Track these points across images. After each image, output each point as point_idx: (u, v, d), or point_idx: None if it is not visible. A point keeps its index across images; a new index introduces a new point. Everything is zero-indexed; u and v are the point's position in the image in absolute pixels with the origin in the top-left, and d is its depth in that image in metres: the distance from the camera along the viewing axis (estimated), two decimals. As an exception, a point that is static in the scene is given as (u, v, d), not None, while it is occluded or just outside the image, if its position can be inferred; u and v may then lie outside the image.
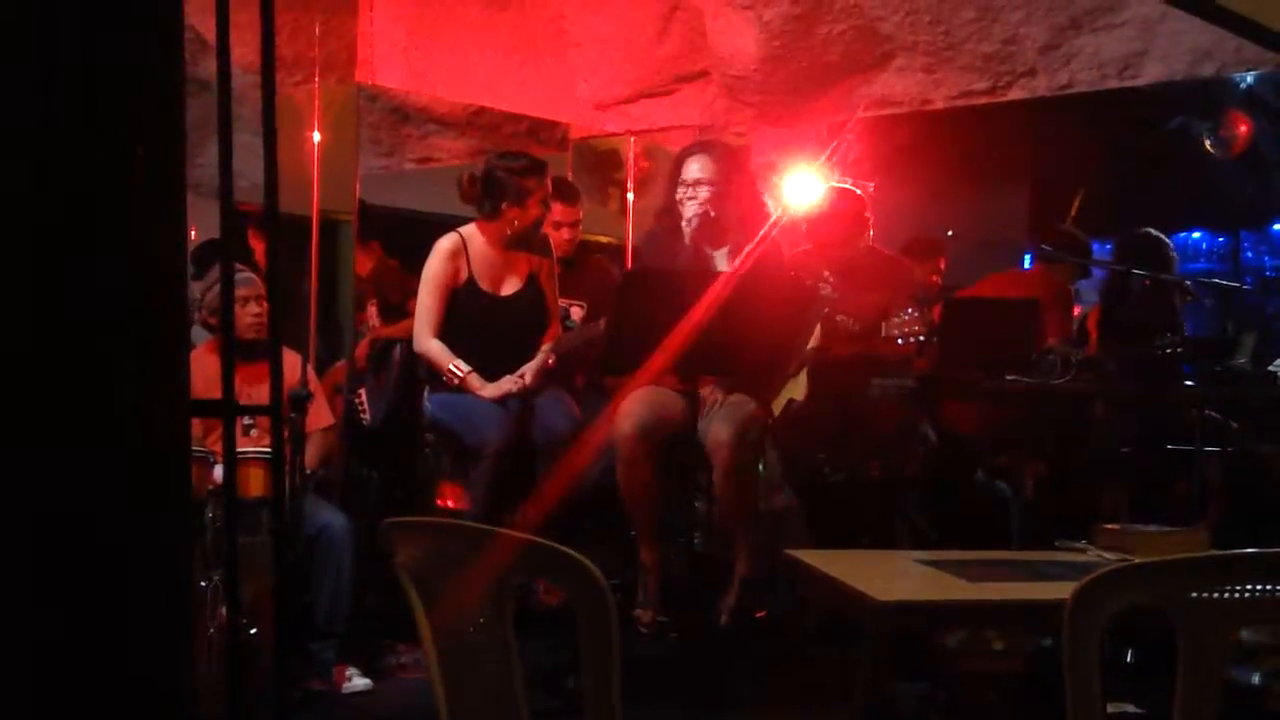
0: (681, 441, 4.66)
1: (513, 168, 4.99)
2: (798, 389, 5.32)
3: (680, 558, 4.84)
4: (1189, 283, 6.39)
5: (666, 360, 3.71)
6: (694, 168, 4.84)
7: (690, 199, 4.79)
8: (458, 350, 4.94)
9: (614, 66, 7.35)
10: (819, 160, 6.40)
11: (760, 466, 4.91)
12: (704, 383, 4.65)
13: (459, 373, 4.90)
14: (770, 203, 5.16)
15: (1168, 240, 6.41)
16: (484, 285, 5.00)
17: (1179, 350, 5.21)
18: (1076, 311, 6.64)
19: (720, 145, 5.23)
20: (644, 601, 4.69)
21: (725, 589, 4.75)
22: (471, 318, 4.99)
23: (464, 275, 4.98)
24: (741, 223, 4.84)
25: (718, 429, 4.53)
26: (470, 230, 5.05)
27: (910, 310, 5.07)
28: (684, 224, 4.81)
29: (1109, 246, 7.54)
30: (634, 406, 4.56)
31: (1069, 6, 6.08)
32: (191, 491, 4.14)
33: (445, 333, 4.97)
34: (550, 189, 5.09)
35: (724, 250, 4.78)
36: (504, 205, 4.97)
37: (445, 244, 5.03)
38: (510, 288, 5.06)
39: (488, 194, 5.01)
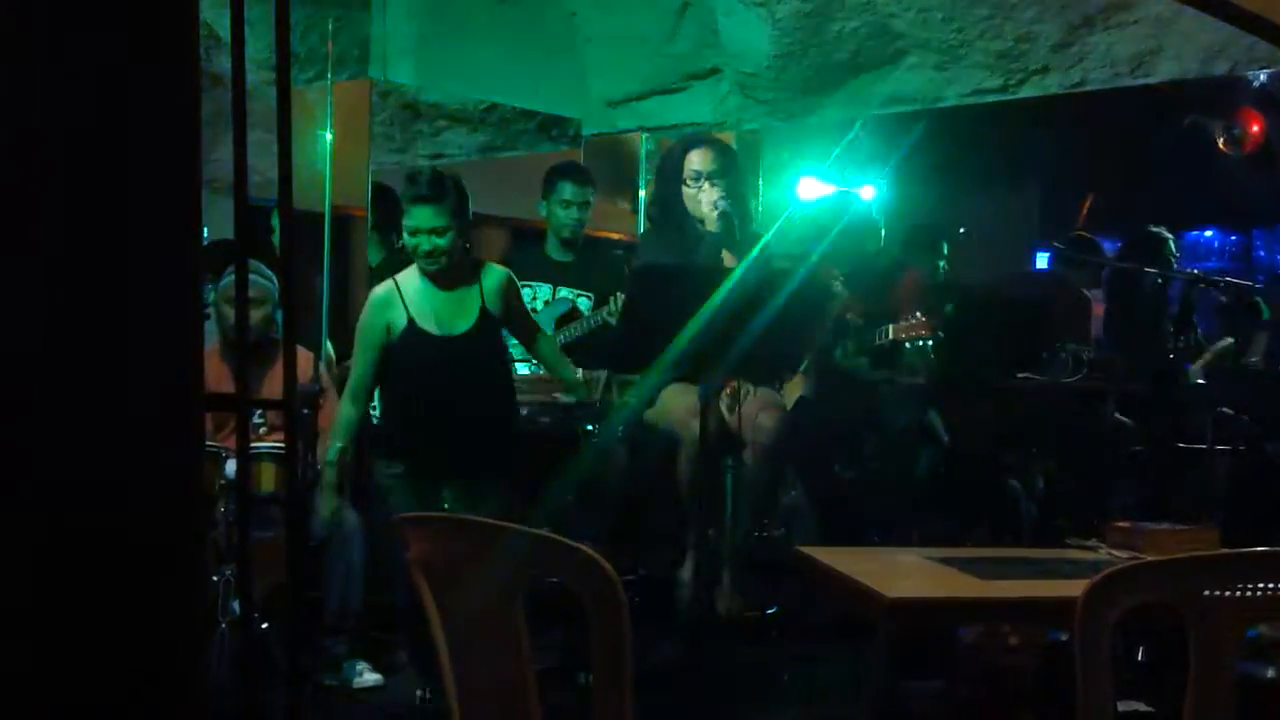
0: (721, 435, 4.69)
1: (402, 193, 4.51)
2: (803, 387, 5.33)
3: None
4: (1196, 273, 6.38)
5: (681, 356, 3.71)
6: (696, 160, 4.76)
7: (701, 193, 4.74)
8: (407, 405, 4.56)
9: (626, 63, 7.35)
10: (830, 158, 6.41)
11: None
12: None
13: (323, 463, 4.54)
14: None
15: (1169, 237, 6.43)
16: (427, 327, 4.52)
17: (1188, 350, 5.22)
18: (1099, 310, 6.64)
19: (715, 138, 5.22)
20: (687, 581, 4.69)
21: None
22: (419, 365, 4.53)
23: (402, 321, 4.52)
24: (748, 217, 4.86)
25: (757, 412, 4.55)
26: (406, 274, 4.61)
27: (918, 314, 5.07)
28: (698, 221, 4.76)
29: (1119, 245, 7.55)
30: (687, 402, 4.53)
31: (1082, 4, 6.07)
32: (205, 487, 4.17)
33: (394, 388, 4.60)
34: (428, 207, 4.45)
35: (737, 244, 4.73)
36: (395, 237, 4.52)
37: (377, 291, 4.63)
38: (461, 326, 4.56)
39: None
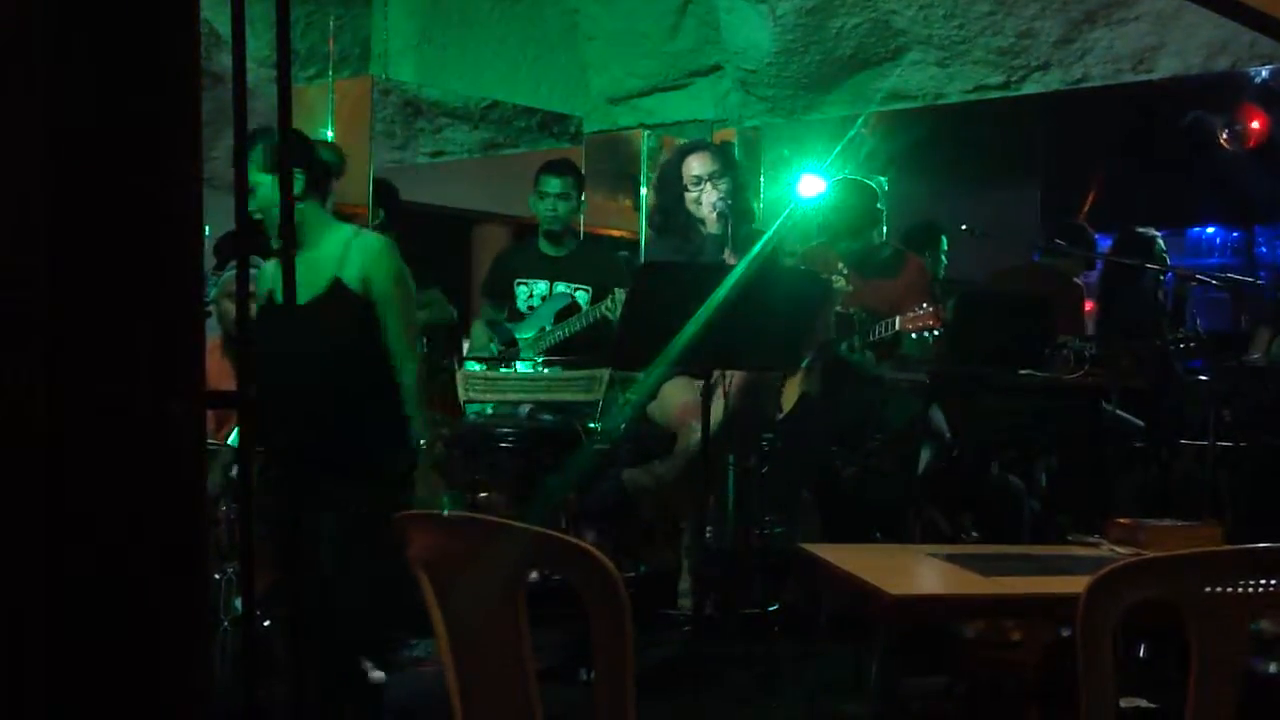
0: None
1: None
2: (806, 383, 5.32)
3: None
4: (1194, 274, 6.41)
5: (680, 353, 3.72)
6: (695, 165, 4.86)
7: (703, 195, 4.81)
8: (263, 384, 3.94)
9: (627, 59, 7.36)
10: (832, 154, 6.41)
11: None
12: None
13: None
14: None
15: (1157, 235, 6.46)
16: (282, 297, 3.86)
17: (1191, 345, 5.21)
18: (1089, 307, 6.65)
19: (710, 142, 5.31)
20: (688, 590, 4.77)
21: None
22: (266, 337, 3.75)
23: (264, 292, 4.01)
24: (747, 214, 4.94)
25: (738, 381, 4.65)
26: None
27: (925, 305, 5.07)
28: (700, 223, 4.83)
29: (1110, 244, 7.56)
30: (686, 399, 4.58)
31: (1083, 0, 6.08)
32: (206, 485, 4.16)
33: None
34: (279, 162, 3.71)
35: (736, 241, 4.76)
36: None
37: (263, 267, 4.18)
38: (304, 296, 3.84)
39: None
